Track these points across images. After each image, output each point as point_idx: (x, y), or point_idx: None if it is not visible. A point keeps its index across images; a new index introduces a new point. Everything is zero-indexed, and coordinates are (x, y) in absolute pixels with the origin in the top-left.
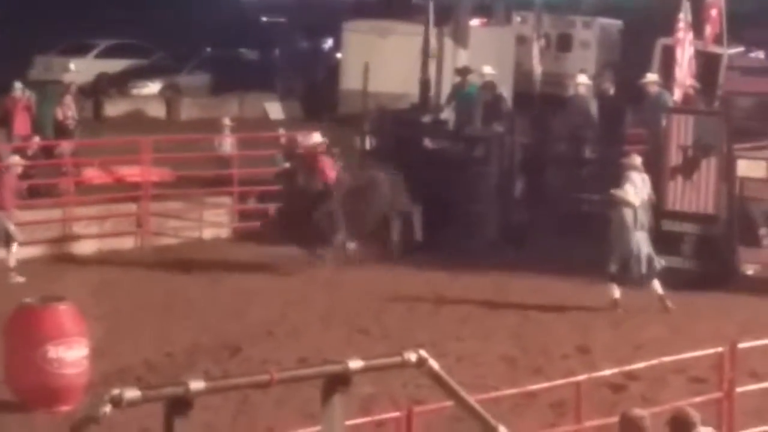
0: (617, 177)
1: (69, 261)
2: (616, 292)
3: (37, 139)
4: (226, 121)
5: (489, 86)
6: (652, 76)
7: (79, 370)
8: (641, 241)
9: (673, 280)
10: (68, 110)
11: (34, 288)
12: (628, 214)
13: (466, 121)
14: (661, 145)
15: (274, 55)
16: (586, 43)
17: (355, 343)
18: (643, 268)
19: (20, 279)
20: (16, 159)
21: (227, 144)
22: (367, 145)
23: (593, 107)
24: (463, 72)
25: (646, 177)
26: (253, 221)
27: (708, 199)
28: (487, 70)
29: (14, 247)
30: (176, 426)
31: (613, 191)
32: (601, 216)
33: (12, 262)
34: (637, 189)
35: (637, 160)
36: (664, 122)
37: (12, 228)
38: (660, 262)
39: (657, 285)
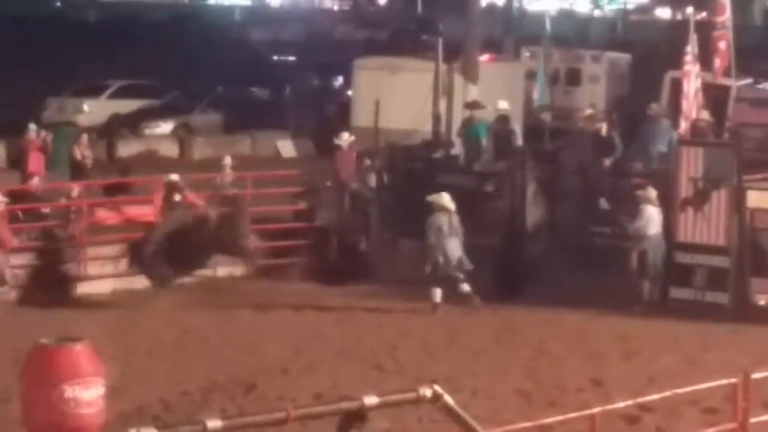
0: (629, 209)
1: (84, 301)
2: (438, 296)
3: (36, 180)
4: (227, 160)
5: (503, 120)
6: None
7: (95, 410)
8: (454, 247)
9: (684, 311)
10: (85, 150)
11: (50, 328)
12: (443, 220)
13: (474, 156)
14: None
15: (285, 93)
16: (595, 77)
17: (370, 379)
18: (454, 270)
19: None
20: None
21: (228, 182)
22: (376, 182)
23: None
24: (472, 106)
25: (660, 210)
26: (270, 258)
27: (719, 231)
28: (503, 105)
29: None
30: None
31: (429, 197)
32: (612, 248)
33: None
34: (652, 221)
35: (653, 193)
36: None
37: (8, 270)
38: (469, 264)
39: (466, 286)
